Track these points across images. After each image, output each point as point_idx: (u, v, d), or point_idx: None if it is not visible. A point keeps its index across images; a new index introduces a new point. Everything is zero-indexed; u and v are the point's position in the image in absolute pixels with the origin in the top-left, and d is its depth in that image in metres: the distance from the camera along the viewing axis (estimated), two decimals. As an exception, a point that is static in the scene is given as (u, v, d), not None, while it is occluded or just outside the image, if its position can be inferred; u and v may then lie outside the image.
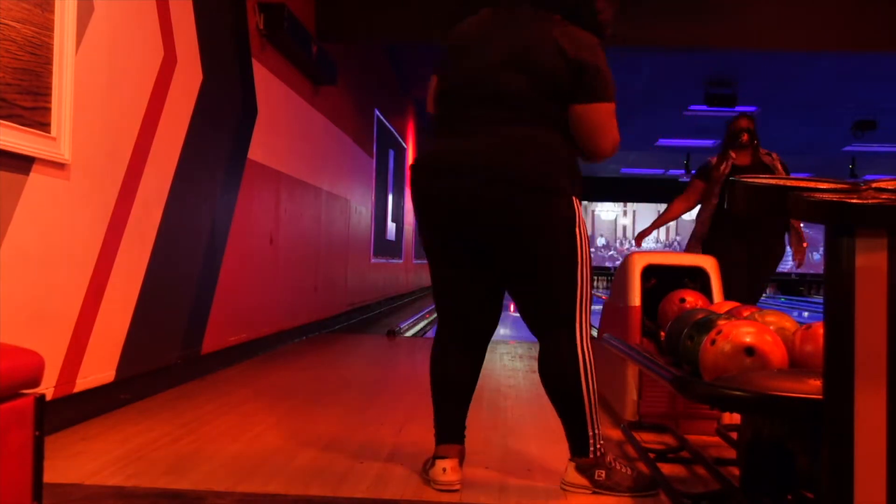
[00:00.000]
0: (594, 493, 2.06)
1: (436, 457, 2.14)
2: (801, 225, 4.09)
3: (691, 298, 2.64)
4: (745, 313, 2.21)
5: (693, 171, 4.58)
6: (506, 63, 1.99)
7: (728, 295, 3.00)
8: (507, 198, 1.95)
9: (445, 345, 2.20)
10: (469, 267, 2.09)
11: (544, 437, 2.70)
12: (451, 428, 2.17)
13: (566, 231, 2.01)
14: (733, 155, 4.10)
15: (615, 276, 3.38)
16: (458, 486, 2.09)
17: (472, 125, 2.01)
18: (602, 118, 2.04)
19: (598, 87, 2.00)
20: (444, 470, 2.09)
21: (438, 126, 2.10)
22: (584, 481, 2.08)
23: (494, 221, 1.97)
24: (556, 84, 1.99)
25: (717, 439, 2.65)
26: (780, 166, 4.12)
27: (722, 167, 4.06)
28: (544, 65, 1.98)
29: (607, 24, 2.13)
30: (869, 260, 1.33)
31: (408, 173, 2.19)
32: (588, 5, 2.08)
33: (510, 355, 5.03)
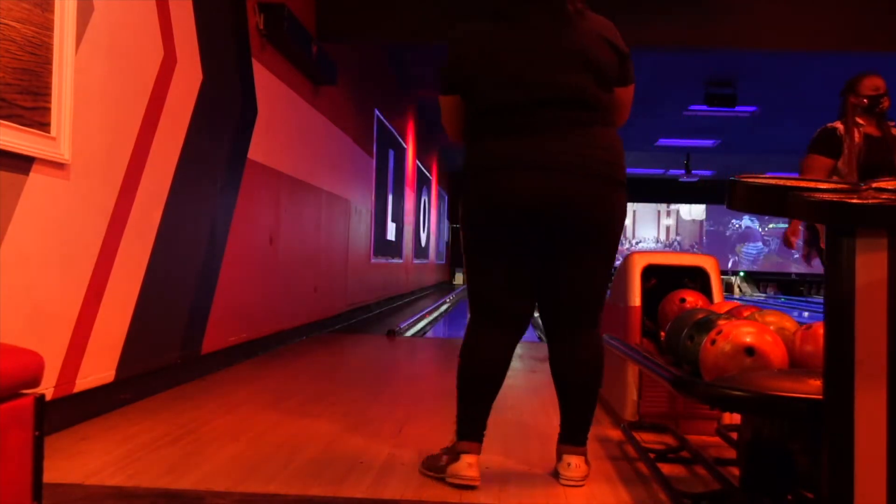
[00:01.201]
0: (573, 486, 2.18)
1: (459, 451, 2.16)
2: None
3: (691, 298, 2.64)
4: (745, 313, 2.21)
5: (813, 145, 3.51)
6: (573, 65, 2.07)
7: None
8: (601, 193, 2.08)
9: (488, 336, 2.21)
10: (526, 258, 2.16)
11: (545, 437, 2.70)
12: (477, 425, 2.20)
13: (623, 228, 2.22)
14: (862, 122, 3.38)
15: (615, 276, 3.38)
16: (478, 483, 2.13)
17: (554, 126, 2.07)
18: (631, 96, 2.26)
19: (632, 71, 2.22)
20: (469, 465, 2.14)
21: (500, 129, 2.10)
22: (587, 470, 2.21)
23: (584, 214, 2.07)
24: (612, 77, 2.15)
25: (717, 439, 2.65)
26: None
27: (855, 137, 3.30)
28: (605, 62, 2.11)
29: None
30: (869, 260, 1.33)
31: (467, 170, 2.21)
32: None
33: (510, 355, 5.02)
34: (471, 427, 2.19)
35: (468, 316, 2.29)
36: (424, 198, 15.22)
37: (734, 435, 2.42)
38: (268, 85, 4.83)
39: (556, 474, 2.23)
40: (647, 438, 2.69)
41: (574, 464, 2.19)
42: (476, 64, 2.13)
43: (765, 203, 1.48)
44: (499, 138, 2.10)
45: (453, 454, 2.18)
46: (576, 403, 2.23)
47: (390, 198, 10.33)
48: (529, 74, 2.07)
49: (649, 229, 23.89)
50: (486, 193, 2.10)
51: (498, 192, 2.08)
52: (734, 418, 2.53)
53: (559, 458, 2.23)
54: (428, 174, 15.84)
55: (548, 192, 2.04)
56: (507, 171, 2.07)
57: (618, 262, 2.87)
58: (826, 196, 1.36)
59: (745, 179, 1.49)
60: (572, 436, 2.23)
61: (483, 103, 2.13)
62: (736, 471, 2.11)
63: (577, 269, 2.15)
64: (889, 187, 1.39)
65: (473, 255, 2.21)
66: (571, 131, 2.06)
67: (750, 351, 1.77)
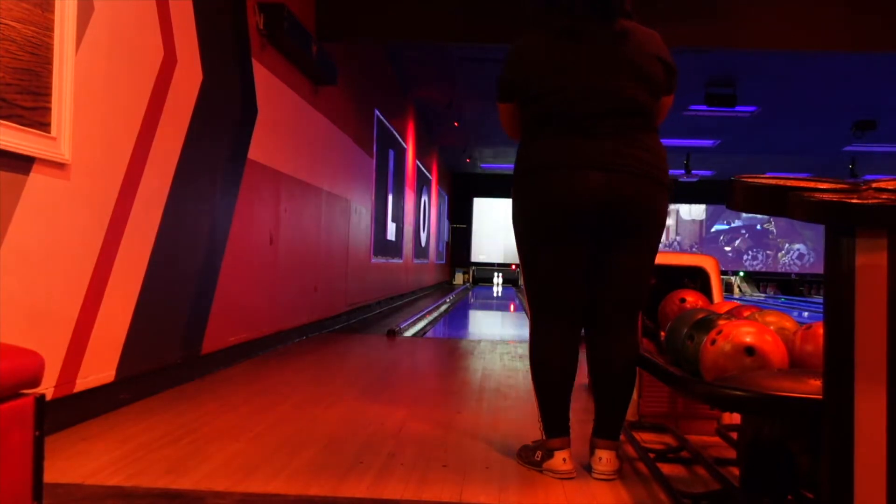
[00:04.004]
0: (604, 480, 2.25)
1: (552, 449, 2.28)
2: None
3: (691, 298, 2.64)
4: (745, 313, 2.21)
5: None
6: (631, 78, 2.24)
7: None
8: (652, 192, 2.24)
9: (555, 329, 2.33)
10: (584, 251, 2.28)
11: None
12: (561, 420, 2.31)
13: (665, 225, 2.38)
14: None
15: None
16: (574, 474, 2.26)
17: (613, 132, 2.22)
18: (671, 103, 2.41)
19: (676, 82, 2.38)
20: (564, 460, 2.27)
21: (563, 133, 2.24)
22: (618, 464, 2.29)
23: (637, 212, 2.23)
24: (661, 89, 2.32)
25: (717, 439, 2.65)
26: None
27: None
28: (656, 75, 2.29)
29: None
30: (869, 260, 1.33)
31: (519, 166, 2.37)
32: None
33: (510, 355, 5.03)
34: (556, 423, 2.30)
35: (530, 317, 2.40)
36: (424, 198, 15.22)
37: (734, 435, 2.42)
38: (268, 85, 4.83)
39: (588, 468, 2.31)
40: (647, 438, 2.70)
41: (605, 458, 2.27)
42: (539, 75, 2.28)
43: (764, 203, 1.48)
44: (562, 141, 2.24)
45: (546, 451, 2.30)
46: (611, 396, 2.32)
47: (390, 198, 10.33)
48: (593, 86, 2.23)
49: (649, 229, 23.88)
50: (551, 191, 2.23)
51: (563, 190, 2.21)
52: (734, 418, 2.53)
53: (591, 452, 2.31)
54: (428, 174, 15.84)
55: (608, 190, 2.19)
56: (571, 171, 2.20)
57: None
58: (826, 196, 1.36)
59: (745, 179, 1.49)
60: (605, 430, 2.31)
61: (546, 110, 2.27)
62: (736, 471, 2.11)
63: (628, 262, 2.29)
64: (889, 187, 1.39)
65: (535, 250, 2.32)
66: (627, 136, 2.22)
67: (750, 351, 1.77)
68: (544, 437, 2.32)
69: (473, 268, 23.76)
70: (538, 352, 2.35)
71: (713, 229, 24.04)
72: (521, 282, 2.56)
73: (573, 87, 2.24)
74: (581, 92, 2.23)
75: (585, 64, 2.25)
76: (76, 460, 2.29)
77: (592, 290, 2.33)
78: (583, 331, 2.39)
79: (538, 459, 2.31)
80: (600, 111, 2.22)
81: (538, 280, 2.34)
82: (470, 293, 18.63)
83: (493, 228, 23.76)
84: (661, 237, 2.35)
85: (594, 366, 2.37)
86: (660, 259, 3.12)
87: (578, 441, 2.38)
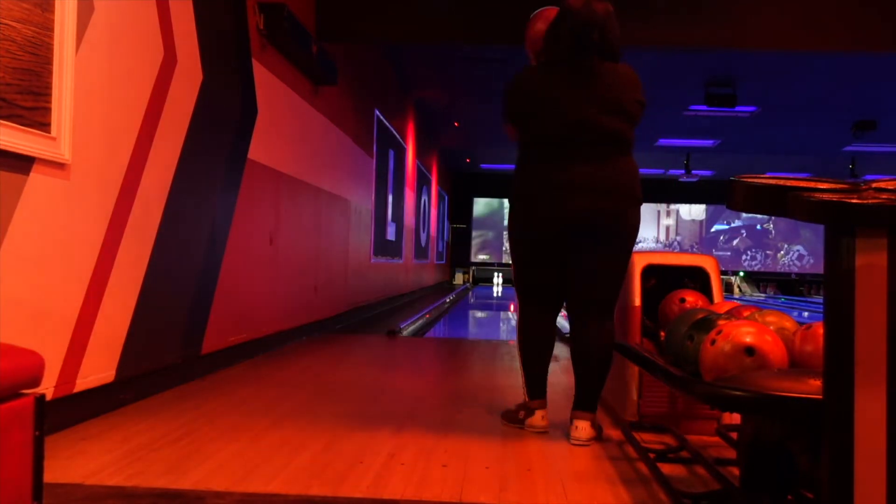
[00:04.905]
0: (580, 446, 2.62)
1: (533, 408, 2.78)
2: None
3: (691, 298, 2.64)
4: (745, 313, 2.21)
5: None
6: (610, 111, 2.64)
7: None
8: (627, 208, 2.66)
9: (541, 317, 2.83)
10: (566, 255, 2.71)
11: (544, 436, 2.71)
12: (541, 384, 2.80)
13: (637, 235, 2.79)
14: None
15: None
16: (548, 429, 2.76)
17: (600, 158, 2.63)
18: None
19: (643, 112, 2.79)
20: (543, 417, 2.77)
21: (556, 157, 2.66)
22: (593, 433, 2.67)
23: (616, 223, 2.64)
24: (636, 121, 2.73)
25: (717, 439, 2.65)
26: None
27: None
28: (632, 110, 2.69)
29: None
30: (869, 260, 1.33)
31: (518, 184, 2.80)
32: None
33: (510, 355, 5.04)
34: (537, 387, 2.79)
35: (518, 304, 2.90)
36: (424, 198, 15.22)
37: (734, 435, 2.42)
38: (268, 85, 4.84)
39: (567, 436, 2.68)
40: (647, 438, 2.70)
41: (581, 426, 2.65)
42: (529, 105, 2.73)
43: (764, 203, 1.48)
44: (550, 165, 2.66)
45: (528, 410, 2.79)
46: (590, 375, 2.70)
47: (390, 198, 10.33)
48: (576, 118, 2.63)
49: (649, 229, 23.87)
50: (540, 211, 2.67)
51: (556, 207, 2.63)
52: (734, 418, 2.53)
53: (571, 423, 2.68)
54: (428, 174, 15.84)
55: (590, 207, 2.61)
56: (557, 192, 2.63)
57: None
58: (826, 196, 1.36)
59: (745, 179, 1.49)
60: (582, 402, 2.70)
61: (541, 137, 2.70)
62: (736, 471, 2.11)
63: (608, 265, 2.69)
64: (889, 187, 1.39)
65: (525, 254, 2.79)
66: (610, 161, 2.64)
67: (750, 351, 1.78)
68: (527, 399, 2.80)
69: (473, 268, 23.77)
70: (524, 331, 2.85)
71: (713, 229, 24.05)
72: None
73: (560, 119, 2.64)
74: (566, 124, 2.62)
75: (570, 98, 2.63)
76: (76, 460, 2.29)
77: (577, 288, 2.73)
78: (568, 322, 2.87)
79: (521, 417, 2.81)
80: (584, 140, 2.61)
81: (526, 276, 2.83)
82: (470, 293, 18.63)
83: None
84: (634, 242, 2.76)
85: (576, 351, 2.75)
86: (660, 259, 3.13)
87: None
